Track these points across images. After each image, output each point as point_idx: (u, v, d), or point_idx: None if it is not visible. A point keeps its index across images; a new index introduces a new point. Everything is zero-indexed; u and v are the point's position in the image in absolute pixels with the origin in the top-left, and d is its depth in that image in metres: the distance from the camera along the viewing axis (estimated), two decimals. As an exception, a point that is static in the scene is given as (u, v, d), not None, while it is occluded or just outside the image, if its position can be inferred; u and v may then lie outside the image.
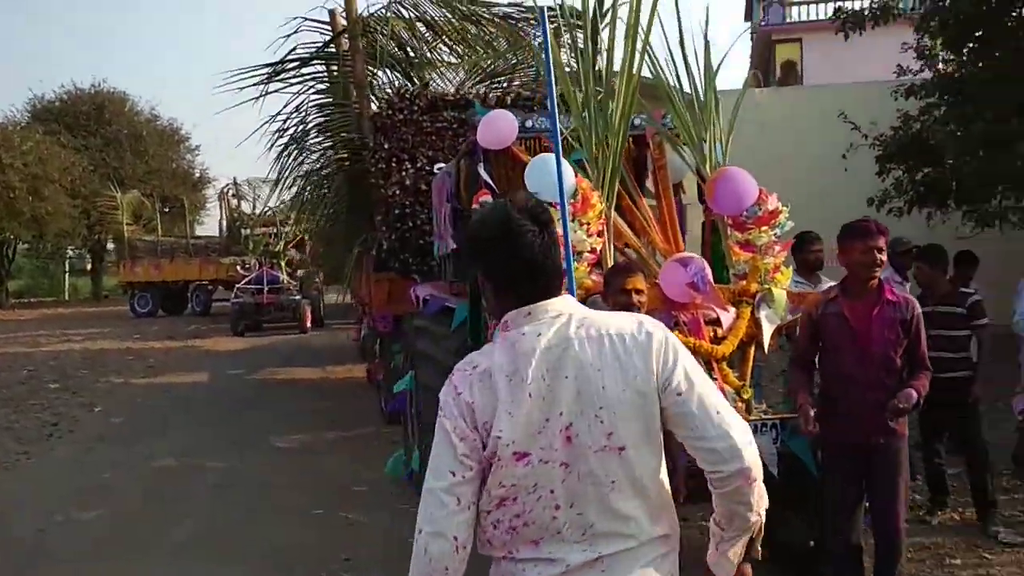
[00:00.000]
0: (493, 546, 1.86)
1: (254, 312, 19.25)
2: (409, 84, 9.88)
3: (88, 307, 33.07)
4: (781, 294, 4.35)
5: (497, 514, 1.82)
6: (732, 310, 4.26)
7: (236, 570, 5.02)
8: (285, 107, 10.27)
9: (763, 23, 23.04)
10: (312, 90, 10.36)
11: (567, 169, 4.24)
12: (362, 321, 12.83)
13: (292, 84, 10.20)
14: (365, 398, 10.41)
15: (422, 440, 6.03)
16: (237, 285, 19.90)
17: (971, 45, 9.07)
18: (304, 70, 10.37)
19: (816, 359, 3.85)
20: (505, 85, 10.32)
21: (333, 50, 10.40)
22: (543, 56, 4.04)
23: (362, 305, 11.95)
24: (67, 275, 43.20)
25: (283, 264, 20.76)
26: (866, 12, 9.82)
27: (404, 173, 8.05)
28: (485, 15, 10.12)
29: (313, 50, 10.27)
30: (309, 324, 19.69)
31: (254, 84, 9.94)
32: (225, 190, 27.35)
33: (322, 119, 10.20)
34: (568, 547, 1.81)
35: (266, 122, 9.90)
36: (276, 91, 10.11)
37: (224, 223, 27.52)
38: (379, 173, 8.19)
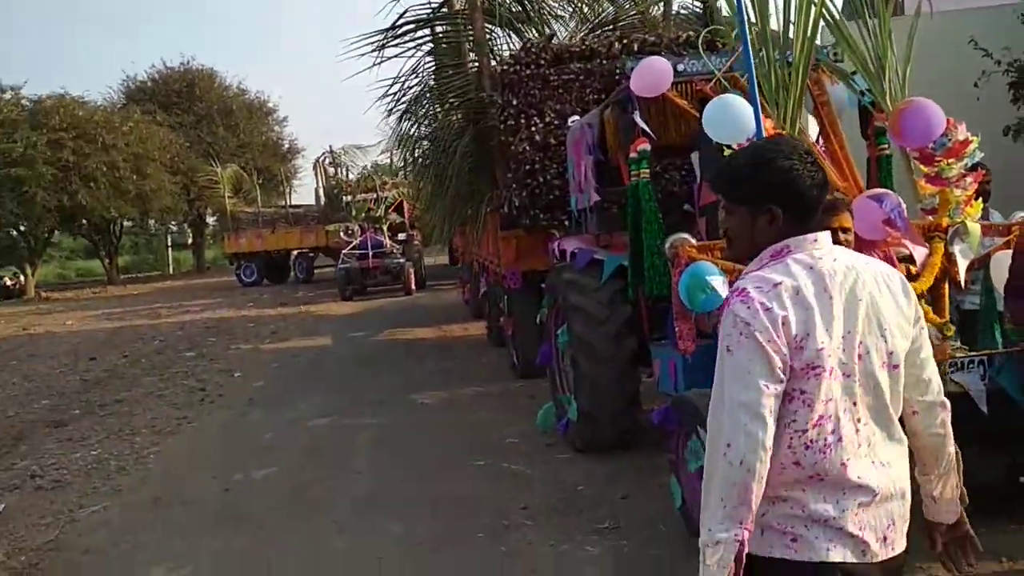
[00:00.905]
0: (802, 467, 1.88)
1: (361, 276, 19.70)
2: (528, 38, 9.81)
3: (193, 279, 34.30)
4: (976, 227, 4.22)
5: (812, 433, 1.88)
6: (926, 246, 4.15)
7: (422, 519, 5.16)
8: (401, 71, 10.40)
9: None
10: (426, 52, 10.43)
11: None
12: (478, 280, 12.95)
13: (408, 47, 10.29)
14: (488, 355, 10.59)
15: (578, 391, 6.09)
16: (343, 251, 20.34)
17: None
18: (417, 33, 10.44)
19: None
20: (613, 32, 10.18)
21: (446, 10, 10.43)
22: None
23: (480, 264, 12.06)
24: (169, 249, 44.88)
25: (385, 228, 21.12)
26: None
27: (533, 128, 8.02)
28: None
29: (428, 12, 10.30)
30: (413, 286, 20.05)
31: (372, 51, 10.09)
32: (321, 159, 27.90)
33: (441, 80, 10.24)
34: (864, 465, 1.90)
35: (389, 86, 10.05)
36: (393, 57, 10.25)
37: (321, 191, 28.09)
38: (508, 130, 8.18)
